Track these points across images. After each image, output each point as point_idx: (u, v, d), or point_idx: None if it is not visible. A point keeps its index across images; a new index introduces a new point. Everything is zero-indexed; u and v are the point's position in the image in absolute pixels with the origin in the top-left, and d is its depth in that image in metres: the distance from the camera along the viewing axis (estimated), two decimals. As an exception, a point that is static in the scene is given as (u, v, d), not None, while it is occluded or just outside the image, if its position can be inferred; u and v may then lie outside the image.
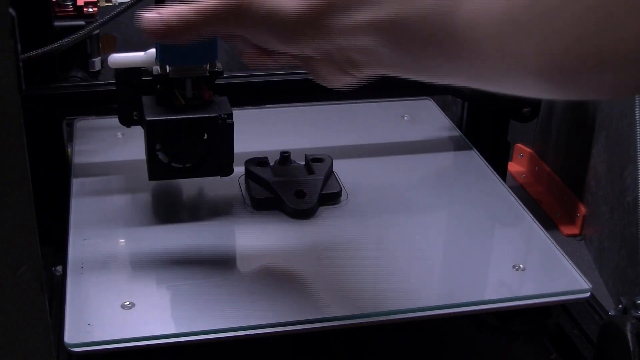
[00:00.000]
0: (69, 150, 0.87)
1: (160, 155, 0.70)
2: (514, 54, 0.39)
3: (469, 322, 0.72)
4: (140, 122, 0.72)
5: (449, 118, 0.96)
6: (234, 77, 0.83)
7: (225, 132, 0.69)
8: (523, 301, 0.65)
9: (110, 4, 0.90)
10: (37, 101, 0.81)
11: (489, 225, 0.75)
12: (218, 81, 0.73)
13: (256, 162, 0.77)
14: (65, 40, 0.74)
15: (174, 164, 0.70)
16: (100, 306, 0.62)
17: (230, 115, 0.69)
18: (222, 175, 0.72)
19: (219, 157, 0.71)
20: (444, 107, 1.01)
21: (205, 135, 0.70)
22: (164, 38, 0.53)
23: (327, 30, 0.46)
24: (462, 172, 0.85)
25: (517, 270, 0.68)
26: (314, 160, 0.78)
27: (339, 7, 0.45)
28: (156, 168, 0.70)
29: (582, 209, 1.14)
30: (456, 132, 0.93)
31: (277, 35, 0.49)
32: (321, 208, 0.75)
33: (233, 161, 0.72)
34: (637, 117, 0.86)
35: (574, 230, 1.15)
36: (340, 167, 0.79)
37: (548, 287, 0.67)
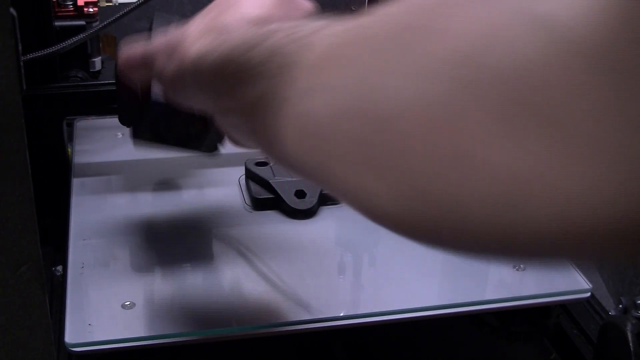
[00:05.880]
0: (69, 150, 0.87)
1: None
2: None
3: (469, 322, 0.72)
4: None
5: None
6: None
7: None
8: (523, 301, 0.65)
9: (111, 4, 0.90)
10: (37, 101, 0.81)
11: (489, 225, 0.75)
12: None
13: (256, 162, 0.77)
14: (68, 42, 0.74)
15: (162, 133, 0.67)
16: (100, 306, 0.62)
17: None
18: (206, 152, 0.69)
19: (208, 134, 0.67)
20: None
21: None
22: None
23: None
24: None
25: (517, 270, 0.68)
26: (314, 160, 0.78)
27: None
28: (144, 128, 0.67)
29: (582, 209, 1.14)
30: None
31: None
32: (321, 208, 0.75)
33: (222, 140, 0.68)
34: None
35: (574, 230, 1.15)
36: (340, 167, 0.79)
37: (548, 287, 0.67)
